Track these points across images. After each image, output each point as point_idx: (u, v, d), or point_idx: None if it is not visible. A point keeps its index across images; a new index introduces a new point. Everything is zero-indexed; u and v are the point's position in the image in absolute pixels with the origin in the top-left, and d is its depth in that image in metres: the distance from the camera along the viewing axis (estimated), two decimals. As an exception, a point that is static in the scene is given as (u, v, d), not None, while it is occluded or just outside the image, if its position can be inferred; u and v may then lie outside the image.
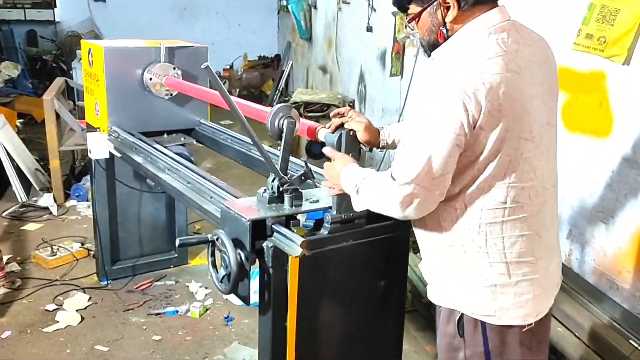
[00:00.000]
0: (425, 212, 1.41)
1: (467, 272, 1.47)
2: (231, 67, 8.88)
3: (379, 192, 1.44)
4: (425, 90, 1.38)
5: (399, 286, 1.98)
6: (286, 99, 7.97)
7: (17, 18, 8.51)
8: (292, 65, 8.31)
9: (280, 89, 8.21)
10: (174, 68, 3.01)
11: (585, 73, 2.55)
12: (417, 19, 1.48)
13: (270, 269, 1.72)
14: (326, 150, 1.69)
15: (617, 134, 2.44)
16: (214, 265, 1.83)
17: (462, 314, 1.50)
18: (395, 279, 1.95)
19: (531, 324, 1.47)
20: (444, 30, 1.44)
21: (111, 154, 2.99)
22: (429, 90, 1.37)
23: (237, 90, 8.55)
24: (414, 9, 1.48)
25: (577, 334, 2.41)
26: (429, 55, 1.51)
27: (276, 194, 1.82)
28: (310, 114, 5.68)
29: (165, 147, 2.84)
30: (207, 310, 3.22)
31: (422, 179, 1.34)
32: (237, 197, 1.99)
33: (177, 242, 1.75)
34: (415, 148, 1.36)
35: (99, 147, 3.01)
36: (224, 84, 8.66)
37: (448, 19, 1.43)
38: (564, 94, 2.60)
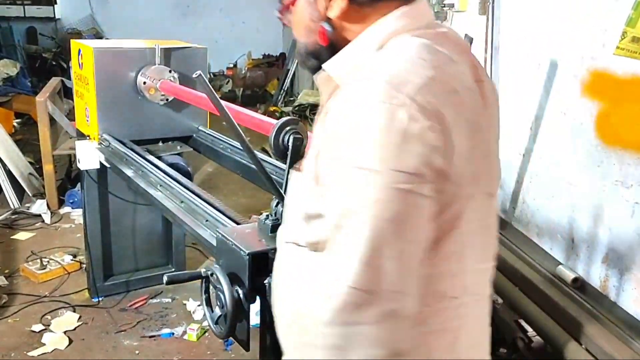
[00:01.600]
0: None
1: None
2: (235, 65, 8.68)
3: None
4: (337, 133, 0.83)
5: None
6: (291, 99, 7.74)
7: (17, 15, 8.37)
8: (297, 64, 8.06)
9: (286, 89, 7.97)
10: (170, 71, 2.76)
11: (626, 79, 2.28)
12: (292, 4, 0.98)
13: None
14: None
15: (664, 148, 2.18)
16: (208, 303, 1.59)
17: None
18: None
19: None
20: (328, 29, 0.93)
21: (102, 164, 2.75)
22: (347, 129, 0.82)
23: (241, 89, 8.33)
24: None
25: (616, 374, 2.16)
26: (314, 70, 0.99)
27: (280, 222, 1.58)
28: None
29: (160, 157, 2.61)
30: (205, 332, 2.98)
31: (393, 282, 0.80)
32: (237, 223, 1.75)
33: (165, 278, 1.51)
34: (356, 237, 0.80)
35: (88, 157, 2.78)
36: (226, 83, 8.43)
37: (333, 13, 0.92)
38: (601, 102, 2.34)
